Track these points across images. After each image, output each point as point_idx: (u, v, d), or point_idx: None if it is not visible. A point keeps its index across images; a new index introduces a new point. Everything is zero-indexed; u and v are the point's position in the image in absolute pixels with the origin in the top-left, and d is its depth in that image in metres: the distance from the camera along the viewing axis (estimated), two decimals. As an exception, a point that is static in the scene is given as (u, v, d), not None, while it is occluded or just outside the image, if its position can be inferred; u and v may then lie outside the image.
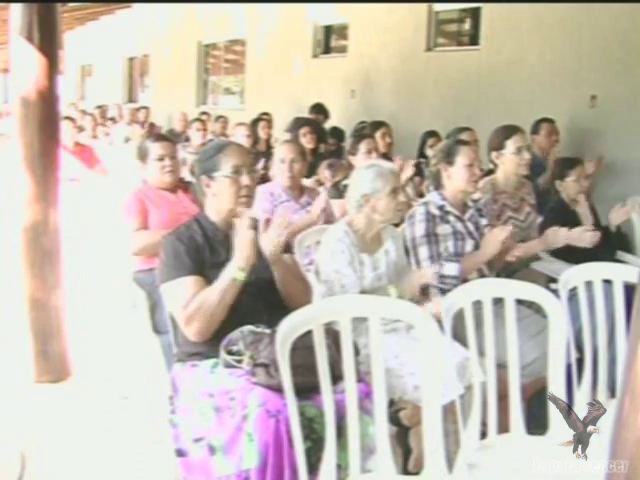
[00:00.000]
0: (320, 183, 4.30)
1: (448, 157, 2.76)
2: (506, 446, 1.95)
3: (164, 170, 3.07)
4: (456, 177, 2.74)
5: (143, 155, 3.12)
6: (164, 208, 3.02)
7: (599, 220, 3.38)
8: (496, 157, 3.18)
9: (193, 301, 2.02)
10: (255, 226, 2.05)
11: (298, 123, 5.62)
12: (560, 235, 2.82)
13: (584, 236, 2.83)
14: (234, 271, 2.02)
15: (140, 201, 3.02)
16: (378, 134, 4.94)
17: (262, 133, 6.35)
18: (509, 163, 3.15)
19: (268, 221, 2.12)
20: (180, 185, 3.17)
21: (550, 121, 4.75)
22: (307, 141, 5.38)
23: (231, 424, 1.83)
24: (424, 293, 2.75)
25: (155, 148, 3.09)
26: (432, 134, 5.44)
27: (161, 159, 3.07)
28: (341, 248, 2.41)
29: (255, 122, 6.59)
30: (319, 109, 7.09)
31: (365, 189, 2.45)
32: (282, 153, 3.47)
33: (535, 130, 4.70)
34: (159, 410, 2.64)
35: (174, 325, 2.21)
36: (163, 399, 2.62)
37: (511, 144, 3.11)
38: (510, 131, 3.17)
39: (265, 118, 6.86)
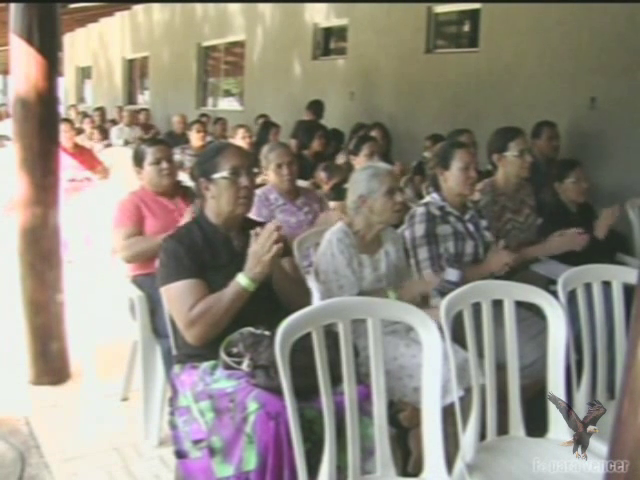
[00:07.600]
0: (317, 185, 4.33)
1: (444, 160, 2.76)
2: (506, 448, 1.95)
3: (161, 173, 3.06)
4: (452, 180, 2.74)
5: (140, 159, 3.11)
6: (161, 216, 2.98)
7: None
8: (497, 159, 3.16)
9: (198, 305, 2.01)
10: (280, 240, 1.99)
11: (313, 128, 5.66)
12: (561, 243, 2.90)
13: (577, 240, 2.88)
14: (246, 281, 2.01)
15: (137, 207, 2.98)
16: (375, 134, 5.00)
17: (273, 139, 6.37)
18: (511, 165, 3.13)
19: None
20: (178, 191, 3.13)
21: (551, 125, 4.68)
22: (319, 145, 5.45)
23: (231, 426, 1.83)
24: (423, 296, 2.75)
25: (151, 152, 3.08)
26: (432, 137, 5.42)
27: (158, 162, 3.06)
28: (340, 249, 2.42)
29: (266, 127, 6.60)
30: (317, 106, 7.12)
31: (361, 190, 2.47)
32: (279, 157, 3.45)
33: (536, 134, 4.62)
34: (159, 412, 2.65)
35: (174, 327, 2.21)
36: (163, 401, 2.63)
37: (514, 146, 3.09)
38: (513, 134, 3.15)
39: (270, 121, 6.89)
